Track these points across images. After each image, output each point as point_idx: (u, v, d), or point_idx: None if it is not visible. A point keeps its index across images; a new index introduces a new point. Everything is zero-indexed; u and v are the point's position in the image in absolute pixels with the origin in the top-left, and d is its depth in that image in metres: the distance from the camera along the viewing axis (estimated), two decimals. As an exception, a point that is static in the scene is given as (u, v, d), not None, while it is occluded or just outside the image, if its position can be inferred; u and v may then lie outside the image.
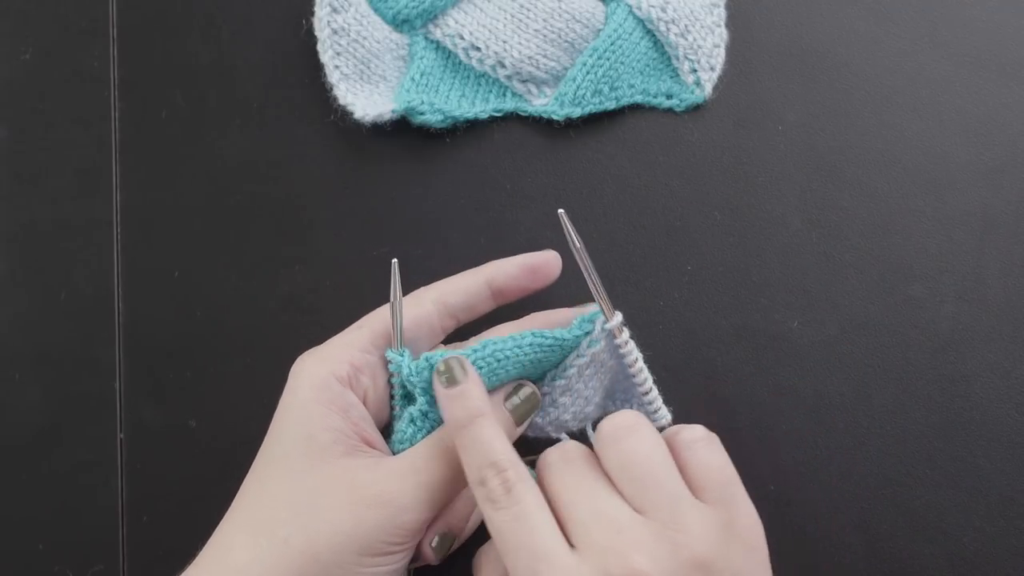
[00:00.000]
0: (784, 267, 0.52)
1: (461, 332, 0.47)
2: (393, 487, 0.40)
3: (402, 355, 0.43)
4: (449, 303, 0.46)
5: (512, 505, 0.38)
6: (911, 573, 0.49)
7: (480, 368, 0.42)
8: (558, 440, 0.44)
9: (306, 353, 0.44)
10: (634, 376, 0.45)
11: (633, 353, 0.44)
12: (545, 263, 0.47)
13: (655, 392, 0.45)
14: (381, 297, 0.46)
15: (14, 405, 0.52)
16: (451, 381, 0.41)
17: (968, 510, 0.49)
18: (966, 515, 0.49)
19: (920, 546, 0.49)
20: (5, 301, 0.52)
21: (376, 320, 0.45)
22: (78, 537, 0.51)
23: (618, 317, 0.43)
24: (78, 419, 0.51)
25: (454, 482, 0.41)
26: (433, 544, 0.43)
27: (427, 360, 0.42)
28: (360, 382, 0.44)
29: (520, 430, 0.44)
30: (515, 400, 0.44)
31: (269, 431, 0.43)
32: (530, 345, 0.43)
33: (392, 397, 0.45)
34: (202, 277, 0.52)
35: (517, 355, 0.43)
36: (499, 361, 0.43)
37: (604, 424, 0.40)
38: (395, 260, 0.45)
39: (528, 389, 0.44)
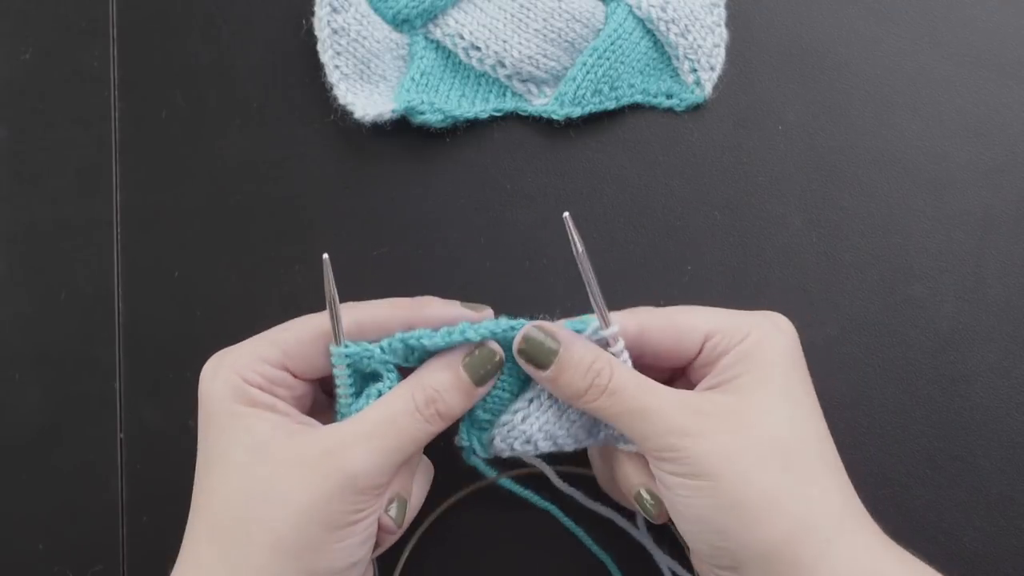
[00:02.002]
0: (784, 267, 0.52)
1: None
2: (344, 452, 0.40)
3: (347, 346, 0.43)
4: (360, 330, 0.44)
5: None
6: (911, 573, 0.49)
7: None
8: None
9: (215, 357, 0.43)
10: None
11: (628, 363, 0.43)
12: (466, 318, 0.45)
13: None
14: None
15: (14, 405, 0.52)
16: (546, 355, 0.42)
17: (968, 510, 0.50)
18: (966, 515, 0.49)
19: (920, 546, 0.49)
20: (5, 301, 0.53)
21: (288, 340, 0.43)
22: (78, 537, 0.51)
23: (615, 327, 0.43)
24: (78, 419, 0.51)
25: (408, 445, 0.41)
26: (391, 513, 0.42)
27: (401, 340, 0.42)
28: (275, 391, 0.43)
29: (481, 391, 0.43)
30: (475, 360, 0.42)
31: (200, 440, 0.42)
32: (510, 339, 0.43)
33: (337, 392, 0.44)
34: (202, 277, 0.52)
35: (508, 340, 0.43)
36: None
37: None
38: (326, 256, 0.43)
39: (489, 348, 0.43)
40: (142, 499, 0.51)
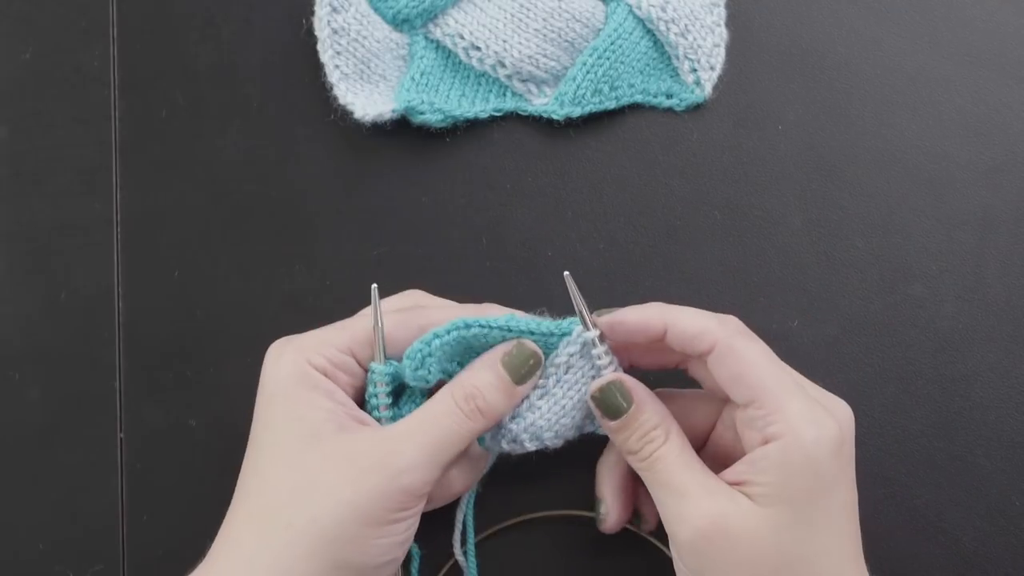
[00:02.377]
0: (784, 267, 0.52)
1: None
2: (390, 449, 0.41)
3: (390, 364, 0.44)
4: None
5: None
6: (911, 573, 0.49)
7: (461, 343, 0.43)
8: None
9: (281, 341, 0.44)
10: None
11: (611, 367, 0.44)
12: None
13: None
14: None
15: (14, 405, 0.52)
16: (614, 411, 0.43)
17: (968, 510, 0.50)
18: (966, 515, 0.49)
19: (920, 546, 0.49)
20: (5, 301, 0.52)
21: (358, 325, 0.45)
22: (78, 537, 0.51)
23: (596, 331, 0.43)
24: (78, 419, 0.51)
25: (452, 443, 0.42)
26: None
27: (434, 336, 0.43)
28: (338, 378, 0.44)
29: (522, 390, 0.43)
30: (514, 359, 0.43)
31: (255, 421, 0.43)
32: (520, 334, 0.43)
33: (374, 408, 0.45)
34: (202, 277, 0.52)
35: (503, 339, 0.43)
36: (482, 344, 0.43)
37: None
38: (375, 286, 0.44)
39: (528, 347, 0.43)
40: (142, 499, 0.51)
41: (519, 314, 0.45)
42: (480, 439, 0.45)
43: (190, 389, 0.51)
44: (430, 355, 0.43)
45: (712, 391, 0.45)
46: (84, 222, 0.53)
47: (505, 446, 0.45)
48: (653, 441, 0.42)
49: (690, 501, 0.40)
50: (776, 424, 0.40)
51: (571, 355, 0.44)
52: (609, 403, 0.43)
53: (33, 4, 0.55)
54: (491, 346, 0.44)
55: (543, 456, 0.46)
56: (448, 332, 0.43)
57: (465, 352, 0.44)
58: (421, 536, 0.48)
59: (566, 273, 0.44)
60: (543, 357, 0.44)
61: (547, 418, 0.45)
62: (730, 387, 0.42)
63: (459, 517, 0.48)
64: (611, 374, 0.43)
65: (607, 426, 0.43)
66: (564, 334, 0.44)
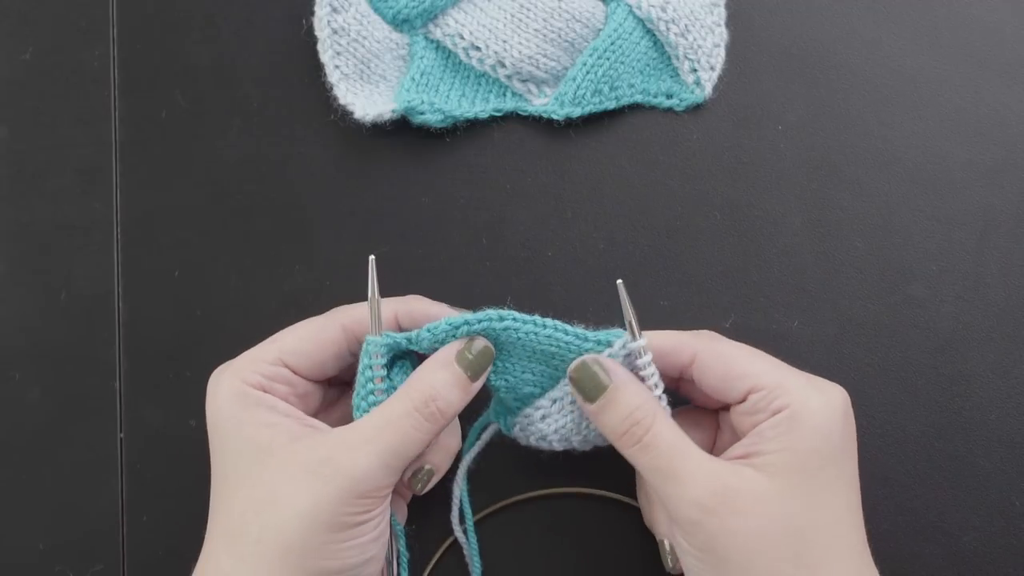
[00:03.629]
0: (784, 267, 0.52)
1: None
2: (345, 457, 0.40)
3: (385, 335, 0.44)
4: (356, 331, 0.45)
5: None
6: (911, 573, 0.49)
7: (489, 337, 0.43)
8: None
9: (218, 369, 0.45)
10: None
11: (654, 378, 0.43)
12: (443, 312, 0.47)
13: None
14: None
15: (14, 405, 0.52)
16: (595, 389, 0.42)
17: (968, 510, 0.50)
18: (966, 515, 0.49)
19: (920, 546, 0.49)
20: (5, 301, 0.52)
21: (287, 337, 0.45)
22: (78, 537, 0.51)
23: (644, 339, 0.43)
24: (78, 419, 0.51)
25: (410, 447, 0.41)
26: (405, 478, 0.44)
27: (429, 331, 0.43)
28: (275, 390, 0.44)
29: (477, 385, 0.43)
30: (468, 356, 0.43)
31: (211, 448, 0.43)
32: (548, 335, 0.43)
33: (368, 381, 0.44)
34: (202, 277, 0.52)
35: (530, 339, 0.43)
36: (510, 339, 0.43)
37: None
38: (372, 257, 0.45)
39: (481, 343, 0.43)
40: (142, 499, 0.51)
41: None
42: (508, 428, 0.45)
43: (190, 389, 0.51)
44: (453, 336, 0.43)
45: (705, 403, 0.45)
46: (84, 222, 0.53)
47: (533, 442, 0.45)
48: (640, 422, 0.41)
49: (690, 478, 0.40)
50: (781, 397, 0.41)
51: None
52: (587, 381, 0.42)
53: (33, 4, 0.55)
54: (514, 345, 0.43)
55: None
56: (479, 321, 0.43)
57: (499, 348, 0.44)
58: (419, 515, 0.48)
59: (619, 281, 0.43)
60: (495, 351, 0.43)
61: (580, 426, 0.45)
62: (722, 388, 0.42)
63: (455, 494, 0.48)
64: (588, 355, 0.43)
65: (588, 411, 0.43)
66: (604, 343, 0.43)
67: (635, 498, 0.49)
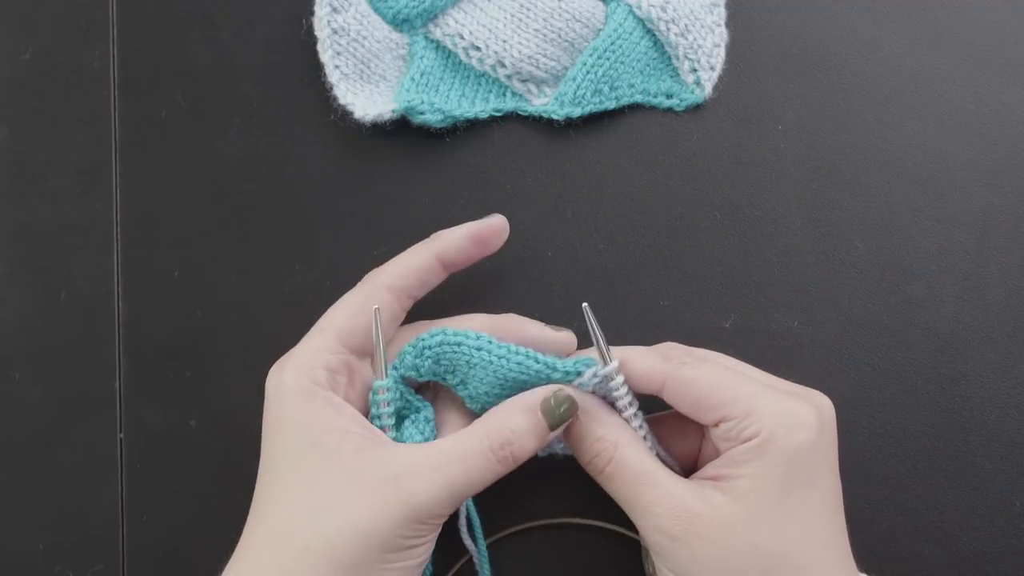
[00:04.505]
0: (784, 267, 0.52)
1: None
2: (412, 483, 0.40)
3: (391, 378, 0.44)
4: (403, 285, 0.45)
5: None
6: (911, 573, 0.49)
7: (453, 356, 0.43)
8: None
9: (277, 365, 0.44)
10: (629, 423, 0.44)
11: (627, 398, 0.43)
12: (491, 231, 0.47)
13: (652, 440, 0.44)
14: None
15: (14, 405, 0.52)
16: (558, 421, 0.42)
17: (968, 510, 0.50)
18: (966, 515, 0.49)
19: (920, 546, 0.49)
20: (5, 301, 0.52)
21: (335, 318, 0.45)
22: (78, 537, 0.51)
23: (614, 363, 0.43)
24: (78, 419, 0.51)
25: (476, 484, 0.41)
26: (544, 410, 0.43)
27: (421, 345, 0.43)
28: (339, 383, 0.44)
29: (554, 435, 0.43)
30: (552, 406, 0.42)
31: (266, 442, 0.43)
32: (519, 363, 0.43)
33: (379, 418, 0.45)
34: (202, 277, 0.52)
35: (502, 364, 0.43)
36: (476, 359, 0.43)
37: None
38: (376, 307, 0.45)
39: (566, 394, 0.42)
40: (142, 499, 0.51)
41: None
42: None
43: (190, 389, 0.51)
44: (428, 348, 0.43)
45: (685, 414, 0.45)
46: (84, 222, 0.53)
47: None
48: (600, 454, 0.42)
49: (653, 507, 0.40)
50: (751, 426, 0.40)
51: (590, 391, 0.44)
52: (550, 413, 0.42)
53: (33, 4, 0.55)
54: (496, 370, 0.43)
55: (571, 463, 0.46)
56: (457, 335, 0.43)
57: (470, 369, 0.44)
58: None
59: (584, 305, 0.43)
60: (579, 405, 0.43)
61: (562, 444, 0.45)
62: (694, 415, 0.42)
63: (463, 503, 0.48)
64: (555, 385, 0.43)
65: (555, 438, 0.43)
66: (574, 373, 0.43)
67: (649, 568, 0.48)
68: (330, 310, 0.45)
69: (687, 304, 0.52)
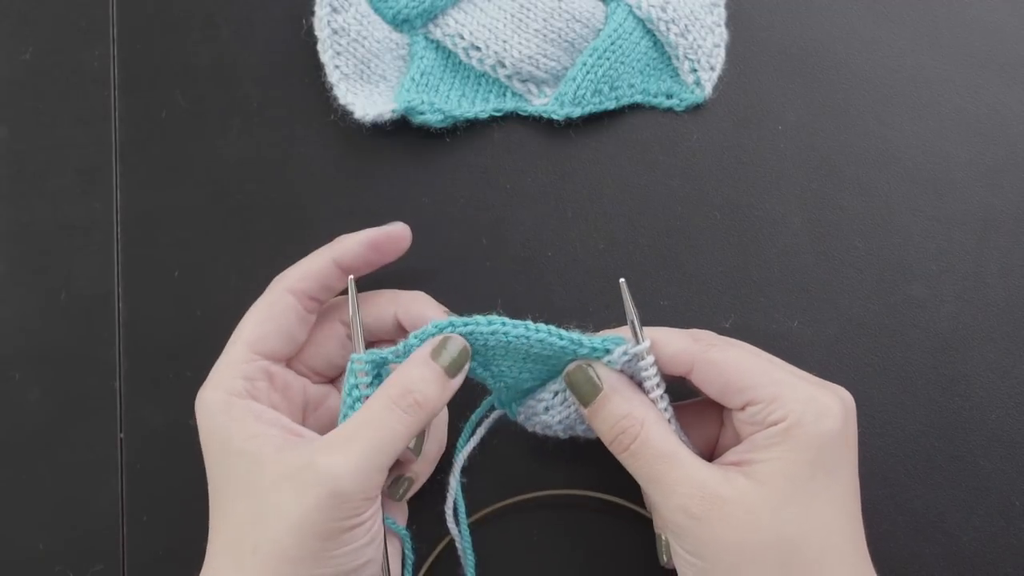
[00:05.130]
0: (784, 267, 0.52)
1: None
2: (325, 460, 0.40)
3: (370, 352, 0.44)
4: (303, 288, 0.46)
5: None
6: (911, 573, 0.49)
7: (476, 343, 0.43)
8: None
9: (200, 388, 0.45)
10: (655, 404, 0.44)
11: (655, 379, 0.43)
12: (389, 239, 0.48)
13: (675, 424, 0.44)
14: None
15: (14, 405, 0.52)
16: (587, 395, 0.43)
17: (968, 510, 0.50)
18: (966, 515, 0.49)
19: (920, 546, 0.49)
20: (5, 301, 0.52)
21: (243, 330, 0.45)
22: (78, 537, 0.51)
23: (646, 343, 0.43)
24: (78, 419, 0.51)
25: (392, 442, 0.41)
26: (385, 487, 0.44)
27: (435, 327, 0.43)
28: (259, 389, 0.44)
29: (456, 382, 0.43)
30: (443, 352, 0.43)
31: (207, 468, 0.44)
32: (540, 340, 0.43)
33: (356, 400, 0.45)
34: (202, 277, 0.52)
35: (521, 343, 0.43)
36: (499, 343, 0.43)
37: None
38: (351, 276, 0.45)
39: (457, 340, 0.43)
40: (142, 499, 0.51)
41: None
42: (513, 414, 0.46)
43: (190, 389, 0.51)
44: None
45: (712, 397, 0.45)
46: (84, 222, 0.53)
47: (539, 430, 0.46)
48: (627, 431, 0.42)
49: (676, 486, 0.40)
50: (777, 411, 0.40)
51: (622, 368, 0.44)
52: (579, 385, 0.43)
53: (33, 4, 0.55)
54: (506, 349, 0.43)
55: (546, 437, 0.46)
56: (466, 325, 0.43)
57: (484, 351, 0.44)
58: (414, 511, 0.48)
59: (622, 280, 0.43)
60: (471, 349, 0.43)
61: (559, 419, 0.45)
62: (721, 398, 0.42)
63: (451, 487, 0.47)
64: (582, 359, 0.43)
65: (582, 413, 0.43)
66: (602, 351, 0.43)
67: (635, 502, 0.49)
68: (241, 321, 0.46)
69: (687, 304, 0.52)
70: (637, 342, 0.43)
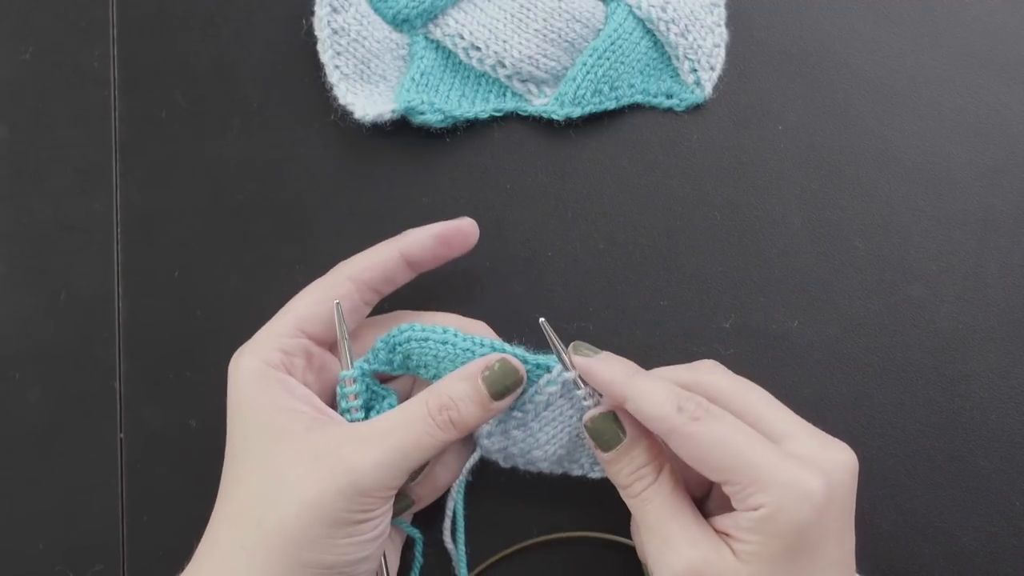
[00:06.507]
0: (784, 267, 0.52)
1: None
2: (353, 451, 0.41)
3: (358, 367, 0.45)
4: (366, 279, 0.46)
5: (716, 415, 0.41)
6: (911, 573, 0.49)
7: (421, 351, 0.44)
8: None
9: (238, 351, 0.45)
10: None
11: (593, 401, 0.44)
12: (458, 232, 0.47)
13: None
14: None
15: (14, 405, 0.52)
16: (607, 442, 0.43)
17: (968, 510, 0.50)
18: (966, 515, 0.49)
19: (920, 546, 0.49)
20: (5, 301, 0.52)
21: (296, 304, 0.45)
22: (78, 537, 0.51)
23: (574, 372, 0.43)
24: (78, 419, 0.51)
25: (418, 451, 0.41)
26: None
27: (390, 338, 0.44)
28: (296, 365, 0.44)
29: (499, 406, 0.43)
30: (492, 374, 0.43)
31: (228, 427, 0.44)
32: (485, 355, 0.44)
33: (348, 412, 0.45)
34: (202, 277, 0.52)
35: (468, 357, 0.43)
36: (443, 353, 0.44)
37: None
38: (337, 302, 0.45)
39: (511, 364, 0.43)
40: (142, 499, 0.51)
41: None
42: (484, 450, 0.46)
43: (190, 389, 0.51)
44: (399, 344, 0.44)
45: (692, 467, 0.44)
46: (84, 222, 0.53)
47: (483, 453, 0.46)
48: (643, 479, 0.42)
49: (673, 549, 0.40)
50: (754, 496, 0.40)
51: (551, 394, 0.44)
52: (602, 434, 0.43)
53: (33, 4, 0.55)
54: (463, 362, 0.44)
55: (566, 477, 0.47)
56: (424, 330, 0.44)
57: (439, 363, 0.44)
58: (423, 525, 0.48)
59: (542, 320, 0.43)
60: (525, 377, 0.44)
61: (520, 447, 0.46)
62: (699, 470, 0.41)
63: (450, 505, 0.48)
64: (606, 405, 0.43)
65: (601, 458, 0.44)
66: (543, 368, 0.44)
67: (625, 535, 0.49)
68: (295, 297, 0.46)
69: (687, 304, 0.52)
70: (568, 370, 0.43)
